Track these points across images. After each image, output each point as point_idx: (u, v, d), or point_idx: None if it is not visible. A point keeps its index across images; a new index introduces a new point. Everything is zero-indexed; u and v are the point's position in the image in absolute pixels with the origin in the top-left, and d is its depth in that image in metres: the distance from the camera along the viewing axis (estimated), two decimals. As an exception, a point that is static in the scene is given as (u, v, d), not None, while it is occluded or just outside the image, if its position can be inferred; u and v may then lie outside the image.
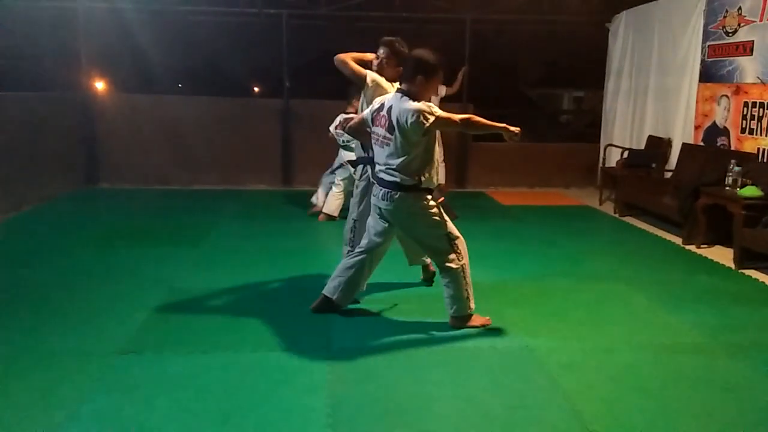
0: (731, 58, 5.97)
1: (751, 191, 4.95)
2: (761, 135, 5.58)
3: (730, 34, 5.97)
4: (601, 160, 8.28)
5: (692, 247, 5.50)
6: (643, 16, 7.63)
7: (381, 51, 3.82)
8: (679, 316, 3.83)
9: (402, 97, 3.28)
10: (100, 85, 10.19)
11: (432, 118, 3.20)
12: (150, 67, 10.86)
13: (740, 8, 5.82)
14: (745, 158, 5.47)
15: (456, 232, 3.49)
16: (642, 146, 7.43)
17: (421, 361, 3.12)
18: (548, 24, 9.37)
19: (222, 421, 2.53)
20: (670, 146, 6.94)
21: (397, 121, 3.23)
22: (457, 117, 3.33)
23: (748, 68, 5.75)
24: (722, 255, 5.22)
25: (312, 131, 8.01)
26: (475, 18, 8.57)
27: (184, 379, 2.88)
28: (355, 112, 5.93)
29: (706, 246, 5.49)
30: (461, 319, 3.53)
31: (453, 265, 3.44)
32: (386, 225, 3.49)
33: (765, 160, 5.48)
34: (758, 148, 5.59)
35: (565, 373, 3.02)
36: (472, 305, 3.54)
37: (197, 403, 2.67)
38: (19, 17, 8.08)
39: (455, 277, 3.46)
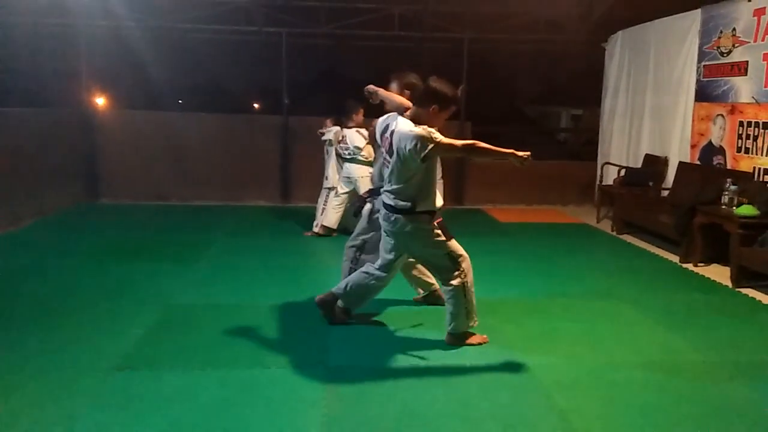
0: (726, 78, 6.03)
1: (747, 210, 4.97)
2: (757, 154, 5.62)
3: (725, 55, 6.04)
4: (598, 177, 8.33)
5: (689, 266, 5.51)
6: (638, 36, 7.72)
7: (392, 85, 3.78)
8: (675, 335, 3.83)
9: (404, 121, 3.28)
10: (100, 102, 10.25)
11: (431, 145, 3.16)
12: (150, 84, 10.94)
13: (734, 29, 5.90)
14: (741, 177, 5.50)
15: (460, 251, 3.49)
16: (639, 164, 7.48)
17: (418, 379, 3.12)
18: (545, 44, 9.47)
19: (217, 439, 2.52)
20: (667, 165, 6.98)
21: (398, 145, 3.24)
22: (460, 143, 3.30)
23: (742, 88, 5.81)
24: (719, 273, 5.23)
25: (311, 148, 8.05)
26: (472, 38, 8.66)
27: (179, 395, 2.87)
28: (358, 126, 6.02)
29: (703, 264, 5.51)
30: (458, 336, 3.53)
31: (454, 283, 3.45)
32: (393, 242, 3.51)
33: (761, 179, 5.51)
34: (754, 167, 5.62)
35: (561, 390, 3.01)
36: (472, 323, 3.55)
37: (193, 419, 2.66)
38: (22, 35, 8.15)
39: (454, 294, 3.46)
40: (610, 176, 7.88)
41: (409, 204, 3.31)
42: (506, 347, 3.53)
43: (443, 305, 3.60)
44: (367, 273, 3.64)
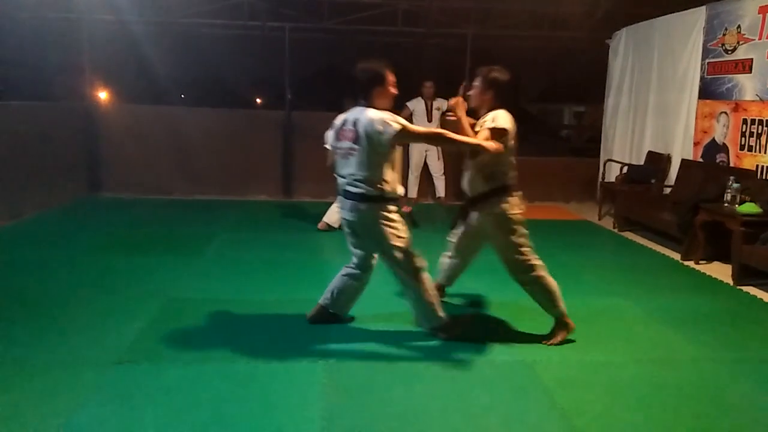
0: (730, 76, 6.01)
1: (749, 208, 4.96)
2: (760, 152, 5.60)
3: (730, 52, 6.02)
4: (600, 175, 8.31)
5: (691, 263, 5.50)
6: (643, 33, 7.69)
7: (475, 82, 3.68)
8: (676, 332, 3.82)
9: (365, 109, 3.34)
10: (103, 96, 10.26)
11: (398, 127, 3.24)
12: (153, 78, 10.95)
13: (739, 26, 5.87)
14: (744, 175, 5.48)
15: (411, 250, 3.45)
16: (641, 162, 7.46)
17: (418, 374, 3.12)
18: (549, 40, 9.44)
19: (217, 433, 2.52)
20: (670, 162, 6.96)
21: (365, 131, 3.27)
22: (423, 130, 3.43)
23: (747, 86, 5.79)
24: (721, 271, 5.22)
25: (313, 143, 8.05)
26: (476, 33, 8.64)
27: (179, 389, 2.87)
28: None
29: (704, 262, 5.50)
30: (434, 330, 3.55)
31: (412, 289, 3.48)
32: (357, 233, 3.50)
33: (764, 177, 5.50)
34: (757, 165, 5.61)
35: (562, 388, 3.01)
36: (437, 320, 3.54)
37: (193, 413, 2.66)
38: (27, 29, 8.16)
39: (415, 297, 3.50)
40: (613, 173, 7.86)
41: (374, 190, 3.32)
42: (507, 343, 3.53)
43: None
44: (347, 276, 3.65)
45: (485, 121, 3.44)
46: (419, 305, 3.54)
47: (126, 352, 3.26)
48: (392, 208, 3.41)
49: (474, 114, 3.59)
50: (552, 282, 3.56)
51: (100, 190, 8.35)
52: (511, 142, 3.47)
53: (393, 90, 3.42)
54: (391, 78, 3.41)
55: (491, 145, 3.29)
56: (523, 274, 3.53)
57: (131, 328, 3.57)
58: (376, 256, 3.63)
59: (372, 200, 3.34)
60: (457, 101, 3.46)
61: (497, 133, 3.36)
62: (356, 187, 3.35)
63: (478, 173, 3.49)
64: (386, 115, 3.28)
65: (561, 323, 3.57)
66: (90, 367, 3.06)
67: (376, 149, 3.27)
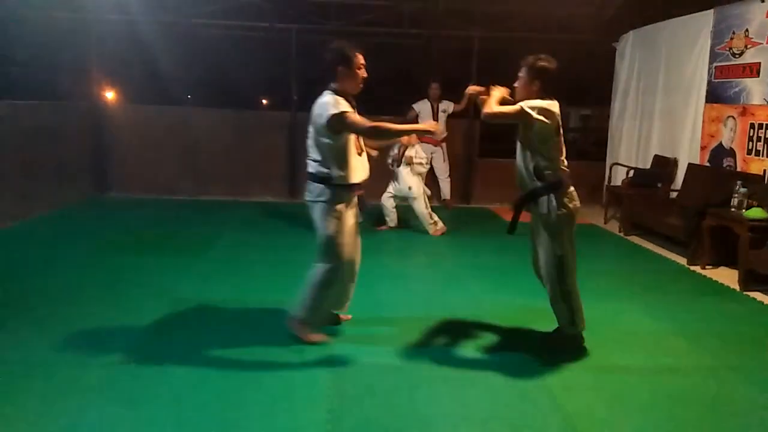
0: (738, 80, 5.98)
1: (756, 213, 4.93)
2: (767, 157, 5.57)
3: (737, 56, 5.99)
4: (606, 178, 8.28)
5: (697, 268, 5.48)
6: (650, 36, 7.67)
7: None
8: (681, 337, 3.81)
9: (325, 92, 3.30)
10: (110, 95, 10.30)
11: (334, 111, 3.17)
12: (160, 79, 10.97)
13: (747, 30, 5.85)
14: (751, 180, 5.45)
15: (342, 247, 3.37)
16: (648, 165, 7.43)
17: (423, 378, 3.12)
18: (556, 43, 9.41)
19: (221, 434, 2.53)
20: (676, 166, 6.94)
21: (312, 114, 3.27)
22: (359, 120, 3.23)
23: (754, 90, 5.76)
24: (727, 276, 5.19)
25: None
26: (483, 36, 8.63)
27: (184, 391, 2.88)
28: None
29: (710, 267, 5.47)
30: (292, 319, 3.49)
31: (318, 266, 3.40)
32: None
33: (771, 182, 5.47)
34: (764, 170, 5.57)
35: (566, 392, 3.00)
36: (307, 315, 3.45)
37: (197, 415, 2.67)
38: (34, 28, 8.20)
39: (310, 278, 3.42)
40: (619, 177, 7.83)
41: (321, 173, 3.30)
42: (511, 347, 3.52)
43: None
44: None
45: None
46: (307, 292, 3.43)
47: (131, 353, 3.27)
48: (334, 193, 3.28)
49: None
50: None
51: (106, 190, 8.39)
52: (557, 137, 3.32)
53: (361, 72, 3.32)
54: (359, 59, 3.31)
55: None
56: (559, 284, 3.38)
57: (137, 329, 3.58)
58: (358, 244, 3.58)
59: (318, 182, 3.31)
60: (478, 88, 3.36)
61: (520, 114, 3.17)
62: (310, 167, 3.35)
63: (526, 169, 3.34)
64: (333, 100, 3.22)
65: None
66: (95, 367, 3.07)
67: (319, 132, 3.25)
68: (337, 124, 3.18)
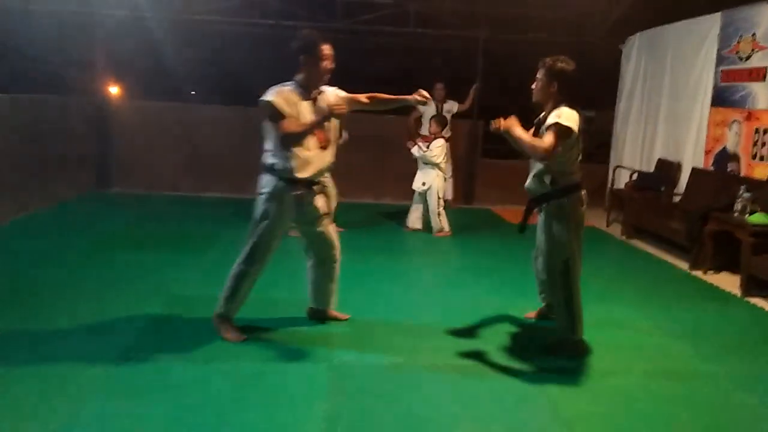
0: (744, 84, 5.96)
1: (760, 218, 4.91)
2: (772, 162, 5.55)
3: (744, 60, 5.97)
4: (609, 181, 8.26)
5: (699, 273, 5.46)
6: (656, 38, 7.64)
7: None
8: (683, 343, 3.79)
9: (286, 83, 3.26)
10: (115, 91, 10.31)
11: (264, 100, 3.15)
12: (164, 75, 10.98)
13: (755, 34, 5.82)
14: (755, 185, 5.43)
15: (264, 246, 3.34)
16: (651, 169, 7.41)
17: (423, 379, 3.11)
18: (561, 45, 9.39)
19: (220, 431, 2.53)
20: (680, 170, 6.91)
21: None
22: (283, 121, 3.19)
23: (760, 94, 5.73)
24: (729, 282, 5.17)
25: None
26: (488, 37, 8.61)
27: (183, 387, 2.88)
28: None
29: (712, 272, 5.45)
30: (215, 316, 3.48)
31: (236, 264, 3.41)
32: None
33: (775, 188, 5.44)
34: (769, 175, 5.55)
35: (566, 397, 2.99)
36: (225, 311, 3.44)
37: (196, 411, 2.67)
38: (41, 23, 8.21)
39: (233, 275, 3.41)
40: (622, 180, 7.81)
41: (270, 163, 3.30)
42: (511, 350, 3.51)
43: None
44: (310, 267, 3.66)
45: (549, 117, 3.19)
46: (227, 285, 3.43)
47: (130, 348, 3.27)
48: (283, 189, 3.25)
49: (539, 109, 3.37)
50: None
51: (110, 186, 8.40)
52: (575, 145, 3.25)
53: (326, 64, 3.21)
54: (326, 50, 3.19)
55: (541, 143, 3.05)
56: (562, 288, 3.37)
57: (136, 325, 3.59)
58: (325, 239, 3.56)
59: (264, 171, 3.30)
60: (508, 123, 3.16)
61: (563, 133, 3.08)
62: (262, 157, 3.32)
63: (542, 174, 3.31)
64: (276, 89, 3.17)
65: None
66: (94, 363, 3.07)
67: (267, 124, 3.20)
68: (263, 109, 3.14)
